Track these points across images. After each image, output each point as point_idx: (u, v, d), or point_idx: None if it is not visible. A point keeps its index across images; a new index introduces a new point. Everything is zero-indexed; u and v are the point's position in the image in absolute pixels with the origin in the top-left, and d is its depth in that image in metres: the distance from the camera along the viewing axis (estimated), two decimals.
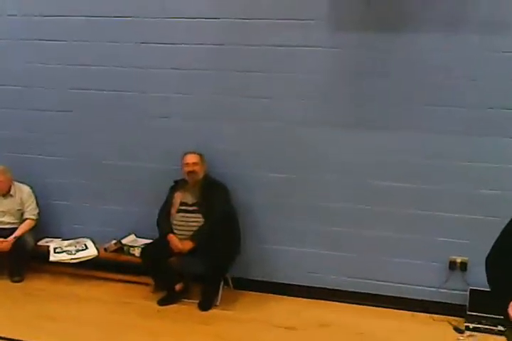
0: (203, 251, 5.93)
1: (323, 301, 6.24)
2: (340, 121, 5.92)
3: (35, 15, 6.53)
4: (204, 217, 6.04)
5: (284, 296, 6.36)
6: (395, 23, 5.61)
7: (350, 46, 5.75)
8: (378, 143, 5.89)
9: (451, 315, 5.89)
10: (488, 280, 3.83)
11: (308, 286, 6.35)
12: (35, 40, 6.61)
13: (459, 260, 5.87)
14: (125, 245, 6.54)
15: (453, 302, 5.95)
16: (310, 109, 5.98)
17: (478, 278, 5.52)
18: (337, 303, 6.21)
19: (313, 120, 5.99)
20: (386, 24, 5.62)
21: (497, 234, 5.27)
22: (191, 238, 5.99)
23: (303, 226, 6.25)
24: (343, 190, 6.08)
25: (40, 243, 6.78)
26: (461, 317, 5.83)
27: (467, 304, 5.83)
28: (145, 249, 6.26)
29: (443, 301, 5.98)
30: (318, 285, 6.32)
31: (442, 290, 5.96)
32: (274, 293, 6.40)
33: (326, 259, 6.24)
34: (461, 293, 5.88)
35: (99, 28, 6.40)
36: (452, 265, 5.90)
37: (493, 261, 3.88)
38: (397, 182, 5.90)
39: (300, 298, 6.32)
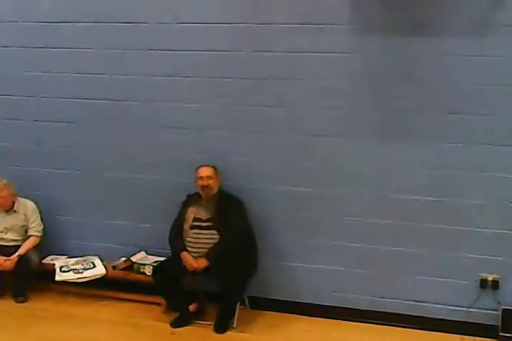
0: (219, 269, 5.61)
1: (346, 322, 5.91)
2: (361, 132, 5.67)
3: (37, 22, 6.28)
4: (219, 233, 5.73)
5: (304, 316, 6.03)
6: (419, 27, 5.34)
7: (372, 52, 5.50)
8: (401, 154, 5.61)
9: (482, 336, 5.57)
10: None
11: (329, 306, 6.02)
12: (36, 47, 6.37)
13: (490, 278, 5.56)
14: (135, 263, 6.23)
15: (484, 322, 5.62)
16: (328, 119, 5.71)
17: (511, 297, 5.41)
18: (362, 324, 5.87)
19: (331, 130, 5.73)
20: (410, 28, 5.35)
21: None
22: (206, 256, 5.67)
23: (323, 242, 5.94)
24: (364, 204, 5.79)
25: (45, 261, 6.47)
26: (493, 338, 5.51)
27: (499, 324, 5.50)
28: (157, 267, 5.95)
29: (474, 321, 5.65)
30: (340, 305, 5.99)
31: (473, 310, 5.64)
32: (292, 313, 6.07)
33: (347, 277, 5.93)
34: (493, 312, 5.56)
35: (103, 35, 6.15)
36: (483, 283, 5.58)
37: None
38: (422, 196, 5.62)
39: (321, 319, 5.97)
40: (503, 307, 5.50)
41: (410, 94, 5.46)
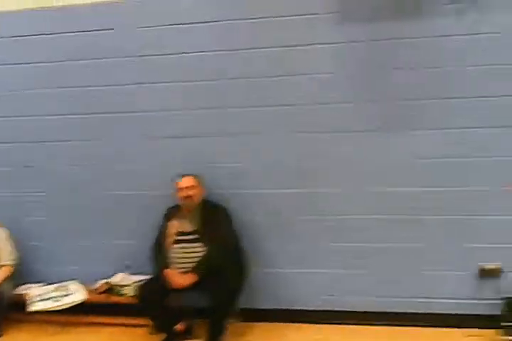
0: (207, 283, 5.29)
1: (346, 326, 5.67)
2: (358, 125, 5.45)
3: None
4: (206, 245, 5.43)
5: (300, 324, 5.76)
6: (407, 10, 5.19)
7: (361, 40, 5.30)
8: (397, 146, 5.45)
9: (485, 328, 5.39)
10: None
11: (326, 311, 5.79)
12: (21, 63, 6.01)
13: (490, 267, 5.42)
14: (114, 285, 5.90)
15: (486, 313, 5.46)
16: (322, 114, 5.49)
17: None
18: (364, 327, 5.64)
19: (324, 125, 5.51)
20: (402, 11, 5.19)
21: None
22: (193, 271, 5.35)
23: (314, 245, 5.73)
24: (357, 201, 5.59)
25: (20, 290, 6.06)
26: (496, 328, 5.34)
27: (502, 314, 5.35)
28: (140, 286, 5.60)
29: (475, 313, 5.50)
30: (337, 309, 5.77)
31: (474, 301, 5.50)
32: (287, 322, 5.81)
33: (343, 279, 5.72)
34: (495, 302, 5.40)
35: (91, 45, 5.83)
36: (483, 273, 5.44)
37: None
38: (418, 187, 5.45)
39: (319, 325, 5.72)
40: (504, 296, 5.36)
41: (406, 81, 5.31)
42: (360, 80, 5.39)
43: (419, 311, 5.61)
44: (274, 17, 5.40)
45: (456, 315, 5.54)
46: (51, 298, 5.86)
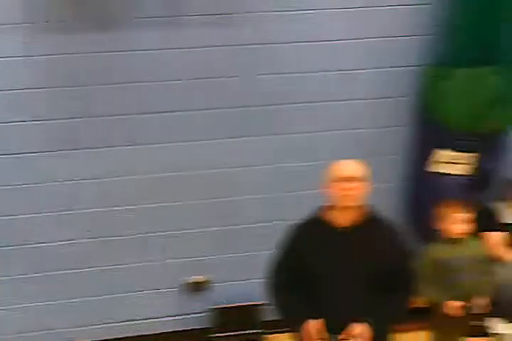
0: None
1: None
2: (54, 145, 4.99)
3: None
4: None
5: None
6: (106, 22, 4.87)
7: (56, 53, 4.85)
8: (86, 164, 5.07)
9: None
10: (278, 306, 3.77)
11: None
12: None
13: (197, 280, 5.37)
14: None
15: (198, 327, 5.45)
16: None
17: (219, 296, 5.42)
18: None
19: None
20: (96, 24, 4.85)
21: (233, 243, 5.35)
22: None
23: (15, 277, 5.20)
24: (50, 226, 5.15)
25: None
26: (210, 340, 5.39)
27: (211, 325, 5.39)
28: None
29: (188, 328, 5.47)
30: None
31: (184, 317, 5.46)
32: None
33: (46, 311, 5.28)
34: (205, 314, 5.41)
35: None
36: (187, 287, 5.38)
37: (281, 285, 3.79)
38: (117, 206, 5.19)
39: None
40: (211, 307, 5.36)
41: (111, 97, 4.98)
42: (64, 95, 4.96)
43: (128, 335, 5.41)
44: None
45: (168, 333, 5.46)
46: None
